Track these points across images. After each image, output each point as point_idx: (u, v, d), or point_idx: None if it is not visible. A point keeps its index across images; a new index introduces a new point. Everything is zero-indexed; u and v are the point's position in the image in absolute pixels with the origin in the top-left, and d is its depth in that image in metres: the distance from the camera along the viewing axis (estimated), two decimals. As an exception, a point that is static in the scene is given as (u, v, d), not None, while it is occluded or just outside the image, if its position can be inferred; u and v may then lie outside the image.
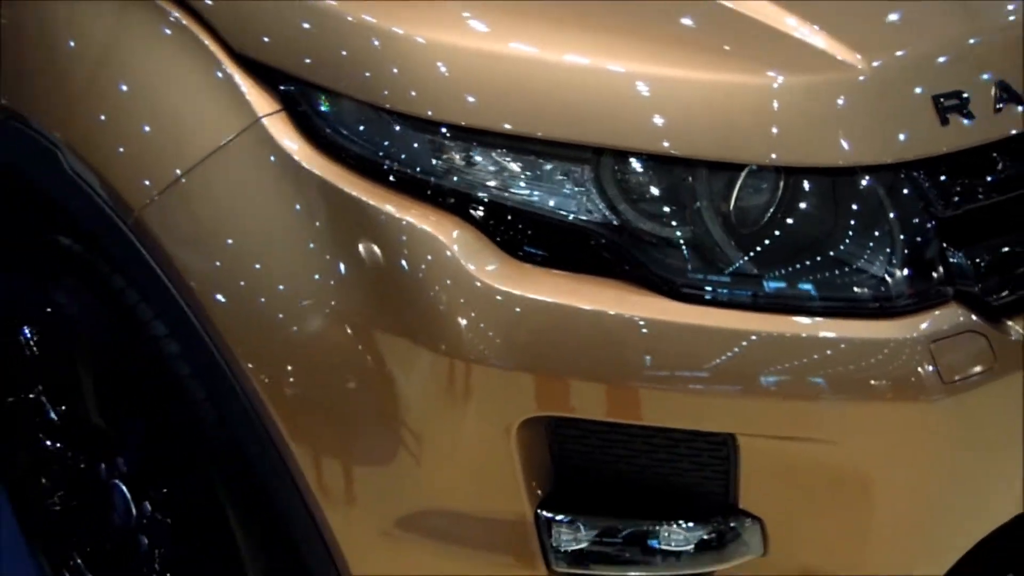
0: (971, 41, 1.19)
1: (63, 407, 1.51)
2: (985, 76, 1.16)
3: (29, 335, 1.50)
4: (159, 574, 1.44)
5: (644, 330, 1.01)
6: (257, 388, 1.08)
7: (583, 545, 1.09)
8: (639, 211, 1.04)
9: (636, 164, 1.04)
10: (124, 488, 1.44)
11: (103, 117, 1.19)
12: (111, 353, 1.33)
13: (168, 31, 1.16)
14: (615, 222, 1.03)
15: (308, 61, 1.09)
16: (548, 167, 1.04)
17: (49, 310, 1.41)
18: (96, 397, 1.42)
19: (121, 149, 1.17)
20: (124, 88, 1.19)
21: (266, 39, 1.11)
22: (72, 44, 1.25)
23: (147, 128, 1.16)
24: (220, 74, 1.11)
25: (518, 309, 1.01)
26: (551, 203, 1.04)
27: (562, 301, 1.01)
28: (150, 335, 1.22)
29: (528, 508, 1.06)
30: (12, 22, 1.30)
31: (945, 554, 1.15)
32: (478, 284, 1.01)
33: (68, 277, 1.34)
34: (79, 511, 1.59)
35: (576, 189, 1.04)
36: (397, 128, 1.06)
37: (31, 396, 1.55)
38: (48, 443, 1.57)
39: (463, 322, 1.01)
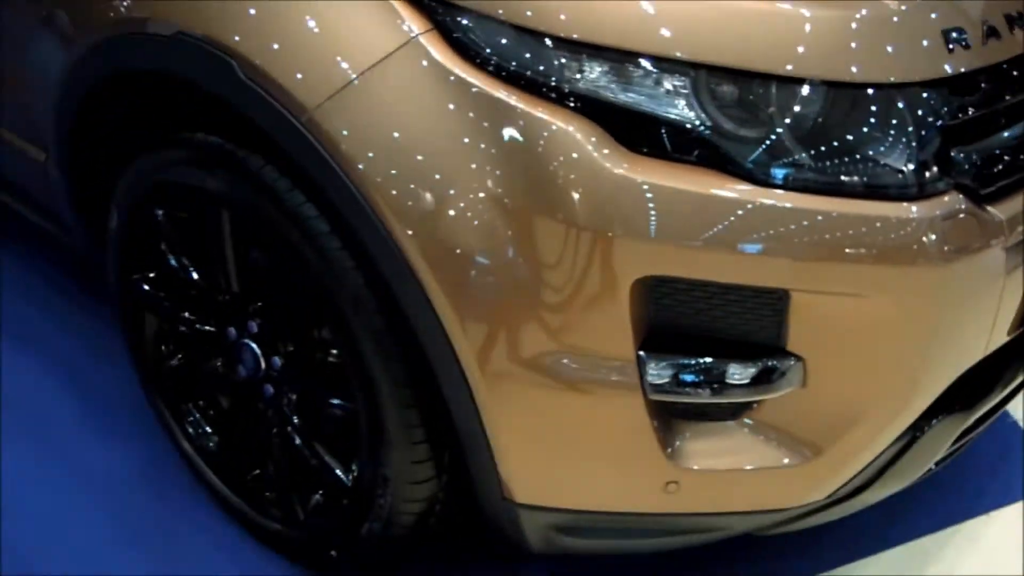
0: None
1: (200, 279, 1.56)
2: (976, 16, 1.29)
3: (175, 216, 1.54)
4: (286, 417, 1.53)
5: (729, 207, 1.13)
6: (408, 247, 1.16)
7: (667, 379, 1.22)
8: (726, 115, 1.14)
9: (723, 78, 1.14)
10: (254, 346, 1.52)
11: (275, 32, 1.22)
12: (261, 232, 1.38)
13: None
14: (708, 123, 1.14)
15: None
16: (656, 77, 1.13)
17: (205, 197, 1.45)
18: (238, 269, 1.48)
19: (293, 60, 1.20)
20: (292, 7, 1.22)
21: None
22: None
23: (316, 42, 1.20)
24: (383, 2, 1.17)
25: (635, 188, 1.11)
26: (658, 106, 1.13)
27: (668, 183, 1.12)
28: (302, 215, 1.28)
29: (632, 350, 1.18)
30: None
31: (935, 385, 1.31)
32: (602, 167, 1.10)
33: (224, 168, 1.37)
34: (203, 368, 1.66)
35: (678, 96, 1.14)
36: (532, 42, 1.13)
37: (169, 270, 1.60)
38: (178, 311, 1.63)
39: (591, 197, 1.11)
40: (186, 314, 1.61)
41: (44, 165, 1.73)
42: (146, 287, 1.63)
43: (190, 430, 1.70)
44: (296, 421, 1.51)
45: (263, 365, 1.51)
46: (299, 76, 1.19)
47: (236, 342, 1.54)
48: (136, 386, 1.77)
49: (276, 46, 1.22)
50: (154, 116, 1.53)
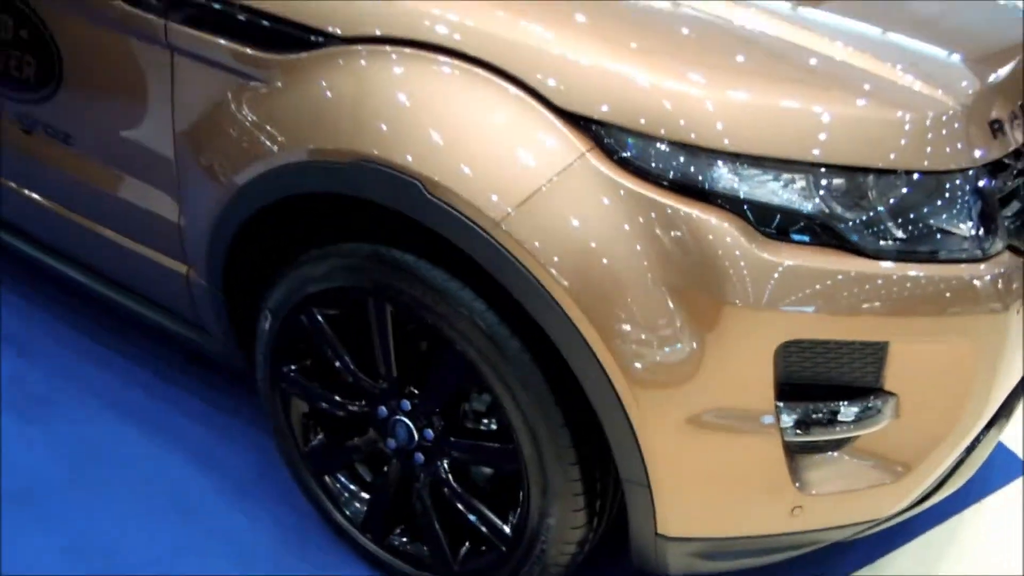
0: (996, 82, 1.43)
1: (353, 366, 1.58)
2: (1007, 107, 1.41)
3: (331, 314, 1.55)
4: (441, 479, 1.55)
5: (846, 278, 1.21)
6: (587, 332, 1.21)
7: (797, 423, 1.29)
8: (838, 203, 1.23)
9: (834, 173, 1.23)
10: (407, 421, 1.54)
11: (457, 154, 1.26)
12: (427, 326, 1.40)
13: (501, 95, 1.26)
14: (825, 210, 1.22)
15: (607, 109, 1.22)
16: (787, 177, 1.22)
17: (367, 298, 1.47)
18: (396, 356, 1.50)
19: (476, 177, 1.24)
20: (469, 130, 1.27)
21: (580, 99, 1.23)
22: (433, 102, 1.29)
23: (495, 161, 1.24)
24: (548, 122, 1.23)
25: (776, 269, 1.19)
26: (786, 199, 1.22)
27: (800, 263, 1.20)
28: (474, 310, 1.32)
29: (773, 402, 1.25)
30: (361, 87, 1.35)
31: (995, 404, 1.42)
32: (750, 253, 1.18)
33: (393, 271, 1.40)
34: (352, 441, 1.67)
35: (799, 190, 1.22)
36: (679, 152, 1.21)
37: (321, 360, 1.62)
38: (328, 395, 1.64)
39: (742, 278, 1.18)
40: (336, 397, 1.62)
41: (186, 278, 1.73)
42: (297, 376, 1.64)
43: (335, 499, 1.70)
44: (451, 481, 1.53)
45: (415, 437, 1.53)
46: (483, 192, 1.23)
47: (387, 419, 1.56)
48: (274, 463, 1.78)
49: (459, 166, 1.25)
50: (306, 230, 1.55)
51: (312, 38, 1.39)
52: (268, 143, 1.44)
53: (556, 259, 1.21)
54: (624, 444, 1.27)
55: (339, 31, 1.36)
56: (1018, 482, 2.05)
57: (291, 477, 1.78)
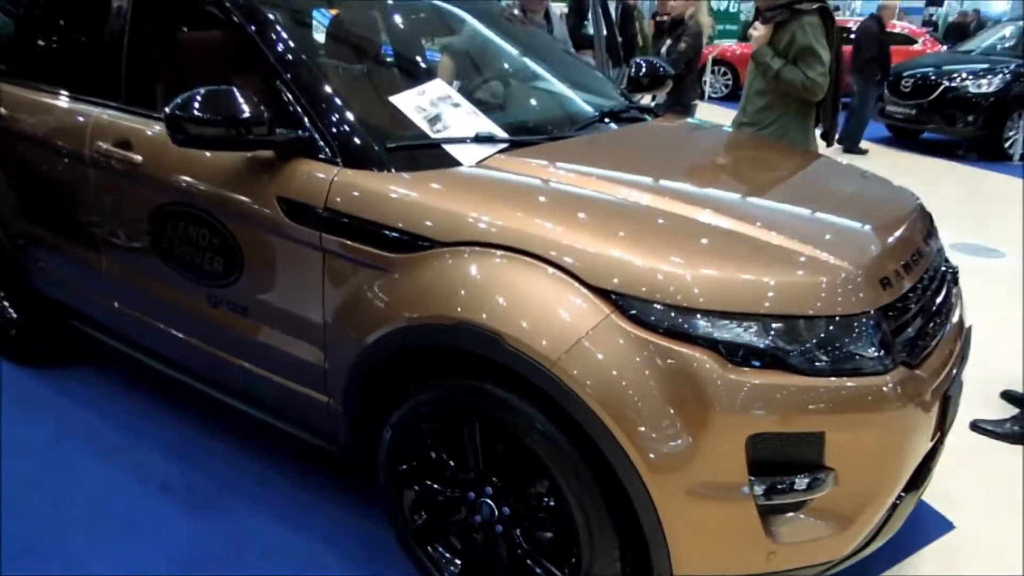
0: (887, 248, 1.82)
1: (453, 462, 1.93)
2: (895, 264, 1.79)
3: (436, 428, 1.92)
4: (516, 544, 1.87)
5: (794, 390, 1.56)
6: (622, 438, 1.55)
7: (765, 490, 1.62)
8: (781, 339, 1.59)
9: (776, 319, 1.60)
10: (490, 502, 1.89)
11: (523, 315, 1.63)
12: (505, 435, 1.76)
13: (547, 275, 1.65)
14: (772, 344, 1.58)
15: (618, 283, 1.60)
16: (742, 323, 1.58)
17: (463, 416, 1.84)
18: (483, 457, 1.86)
19: (537, 333, 1.61)
20: (531, 302, 1.64)
21: (600, 276, 1.62)
22: (503, 281, 1.69)
23: (550, 318, 1.61)
24: (583, 293, 1.62)
25: (744, 385, 1.54)
26: (746, 339, 1.58)
27: (760, 381, 1.55)
28: (539, 426, 1.68)
29: (747, 476, 1.59)
30: (456, 274, 1.74)
31: (906, 474, 1.76)
32: (724, 375, 1.54)
33: (480, 398, 1.77)
34: (447, 520, 2.01)
35: (755, 332, 1.58)
36: (670, 310, 1.58)
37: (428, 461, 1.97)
38: (433, 486, 1.99)
39: (721, 393, 1.54)
40: (437, 486, 1.97)
41: (327, 405, 2.12)
42: (408, 473, 2.00)
43: (436, 563, 2.02)
44: (523, 543, 1.86)
45: (496, 513, 1.88)
46: (542, 341, 1.61)
47: (475, 501, 1.91)
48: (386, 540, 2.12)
49: (525, 324, 1.63)
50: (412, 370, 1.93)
51: (420, 243, 1.82)
52: (391, 312, 1.85)
53: (594, 384, 1.56)
54: (646, 511, 1.60)
55: (439, 238, 1.80)
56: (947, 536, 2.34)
57: (400, 549, 2.10)
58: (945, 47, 12.39)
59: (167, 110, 1.97)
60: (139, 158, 2.35)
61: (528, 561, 1.85)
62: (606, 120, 2.54)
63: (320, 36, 2.44)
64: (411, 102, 2.15)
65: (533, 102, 2.63)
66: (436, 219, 1.81)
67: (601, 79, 3.06)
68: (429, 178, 1.92)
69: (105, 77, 2.54)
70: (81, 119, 2.56)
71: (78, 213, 2.67)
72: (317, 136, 2.03)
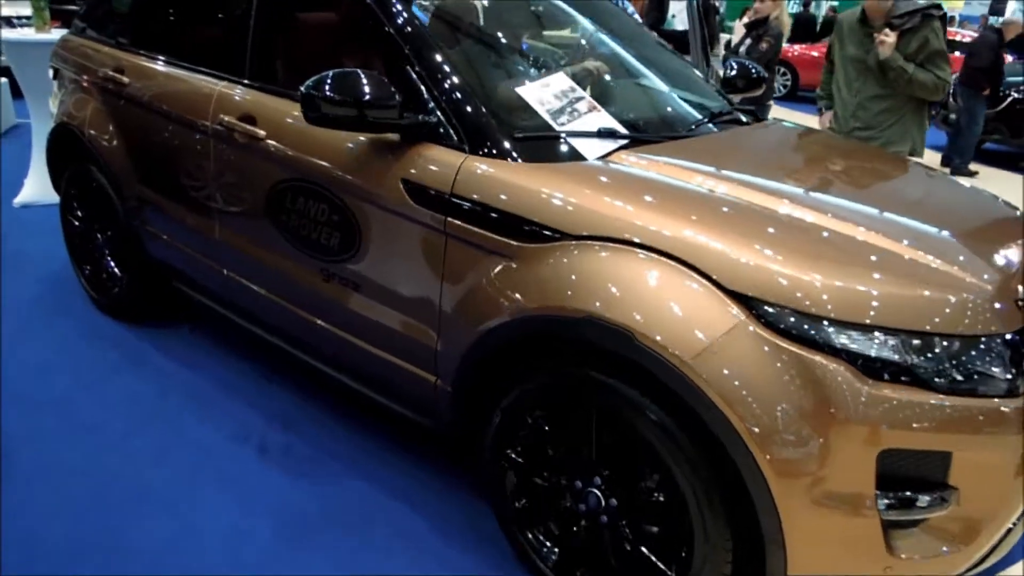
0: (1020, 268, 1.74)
1: (561, 450, 1.89)
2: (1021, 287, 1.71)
3: (549, 415, 1.89)
4: (622, 536, 1.84)
5: (926, 407, 1.50)
6: (748, 439, 1.49)
7: (889, 506, 1.56)
8: (918, 356, 1.52)
9: (914, 335, 1.53)
10: (597, 492, 1.86)
11: (658, 313, 1.58)
12: (624, 428, 1.73)
13: (687, 277, 1.59)
14: (909, 361, 1.51)
15: (754, 289, 1.54)
16: (882, 337, 1.52)
17: (581, 405, 1.80)
18: (598, 446, 1.82)
19: (672, 331, 1.56)
20: (668, 302, 1.58)
21: (738, 282, 1.57)
22: (639, 280, 1.62)
23: (686, 319, 1.56)
24: (720, 298, 1.56)
25: (880, 400, 1.48)
26: (882, 353, 1.52)
27: (896, 396, 1.49)
28: (662, 422, 1.63)
29: (873, 489, 1.53)
30: (588, 267, 1.68)
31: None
32: (858, 387, 1.48)
33: (602, 390, 1.73)
34: (549, 507, 1.98)
35: (891, 346, 1.52)
36: (803, 319, 1.53)
37: (535, 446, 1.95)
38: (538, 471, 1.97)
39: (854, 406, 1.49)
40: (544, 473, 1.95)
41: (434, 384, 2.10)
42: (514, 457, 1.97)
43: (535, 548, 2.00)
44: (629, 535, 1.82)
45: (603, 503, 1.84)
46: (675, 340, 1.55)
47: (582, 490, 1.88)
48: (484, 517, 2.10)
49: (659, 323, 1.58)
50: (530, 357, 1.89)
51: (548, 234, 1.78)
52: (513, 300, 1.81)
53: (725, 388, 1.51)
54: (769, 514, 1.55)
55: (569, 231, 1.75)
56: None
57: (500, 530, 2.08)
58: (1011, 57, 11.89)
59: (303, 88, 1.95)
60: (262, 132, 2.34)
61: (635, 554, 1.81)
62: (716, 121, 2.46)
63: (447, 24, 2.39)
64: (536, 94, 2.10)
65: (644, 99, 2.56)
66: (566, 212, 1.76)
67: (701, 79, 2.97)
68: (559, 171, 1.88)
69: (232, 53, 2.53)
70: (206, 92, 2.56)
71: (195, 181, 2.68)
72: (444, 122, 1.99)
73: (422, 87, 2.03)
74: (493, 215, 1.85)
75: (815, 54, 11.79)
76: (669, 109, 2.51)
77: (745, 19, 5.66)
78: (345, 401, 2.73)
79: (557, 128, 2.04)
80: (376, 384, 2.33)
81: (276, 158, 2.32)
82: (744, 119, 2.62)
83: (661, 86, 2.62)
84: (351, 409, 2.72)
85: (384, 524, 2.22)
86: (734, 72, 3.05)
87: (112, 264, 3.30)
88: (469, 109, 1.99)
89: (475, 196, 1.88)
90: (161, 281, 3.13)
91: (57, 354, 3.05)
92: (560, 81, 2.18)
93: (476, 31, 2.50)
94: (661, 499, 1.75)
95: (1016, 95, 8.26)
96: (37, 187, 4.76)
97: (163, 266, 3.05)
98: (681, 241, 1.63)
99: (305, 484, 2.37)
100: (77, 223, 3.42)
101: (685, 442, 1.63)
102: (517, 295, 1.80)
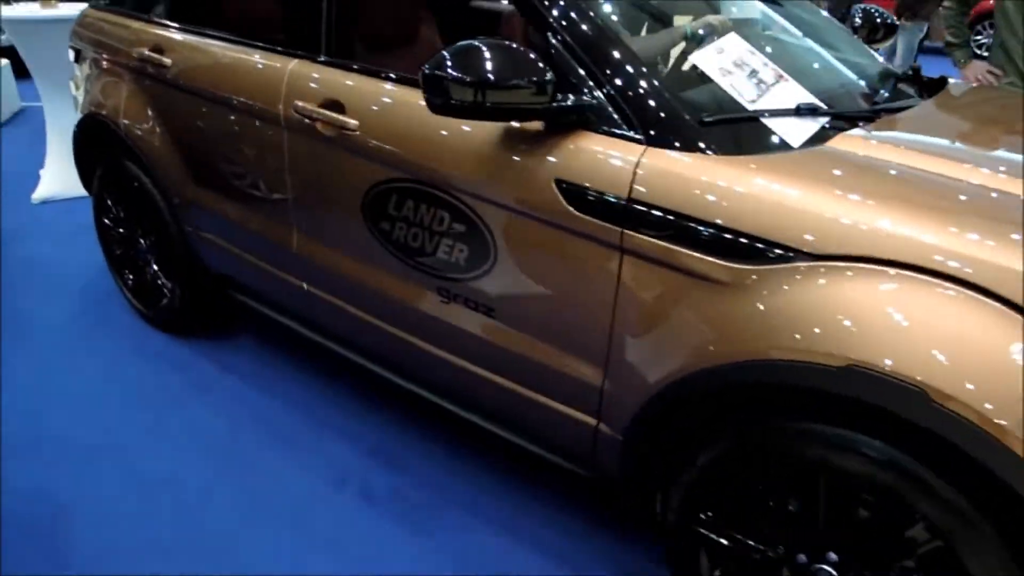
0: None
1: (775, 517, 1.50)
2: None
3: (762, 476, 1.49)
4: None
5: None
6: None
7: None
8: None
9: None
10: (830, 569, 1.46)
11: (955, 365, 1.17)
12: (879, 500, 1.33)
13: (1003, 319, 1.17)
14: None
15: None
16: None
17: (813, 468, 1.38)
18: (827, 521, 1.42)
19: (977, 387, 1.15)
20: (978, 351, 1.16)
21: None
22: (935, 321, 1.19)
23: (995, 373, 1.14)
24: None
25: None
26: None
27: None
28: (935, 495, 1.24)
29: None
30: (849, 300, 1.26)
31: None
32: None
33: (843, 451, 1.32)
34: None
35: None
36: None
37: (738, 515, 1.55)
38: (748, 544, 1.56)
39: None
40: (752, 542, 1.55)
41: (595, 429, 1.69)
42: (711, 521, 1.57)
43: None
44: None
45: (838, 587, 1.45)
46: (985, 400, 1.15)
47: (808, 565, 1.48)
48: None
49: (965, 379, 1.16)
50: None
51: (775, 253, 1.34)
52: (727, 339, 1.39)
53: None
54: None
55: (806, 249, 1.32)
56: None
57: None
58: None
59: (425, 69, 1.50)
60: (354, 122, 1.88)
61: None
62: (904, 88, 2.00)
63: None
64: (713, 62, 1.64)
65: (806, 62, 2.07)
66: (799, 222, 1.33)
67: (848, 32, 2.49)
68: (775, 165, 1.43)
69: (305, 21, 2.06)
70: (273, 73, 2.09)
71: (262, 181, 2.23)
72: (608, 104, 1.54)
73: (572, 59, 1.58)
74: (693, 227, 1.42)
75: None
76: (850, 76, 2.04)
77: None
78: (459, 433, 2.32)
79: (749, 108, 1.58)
80: (507, 421, 1.93)
81: (374, 154, 1.87)
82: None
83: (814, 45, 2.13)
84: (467, 442, 2.31)
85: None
86: (859, 21, 2.59)
87: (159, 272, 2.87)
88: (643, 86, 1.53)
89: (663, 202, 1.44)
90: (216, 291, 2.71)
91: (106, 382, 2.64)
92: (735, 45, 1.71)
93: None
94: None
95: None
96: (57, 179, 4.30)
97: (222, 278, 2.62)
98: (972, 260, 1.20)
99: (425, 539, 1.98)
100: (114, 227, 2.98)
101: (973, 514, 1.22)
102: (733, 332, 1.39)
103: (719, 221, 1.38)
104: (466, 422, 2.03)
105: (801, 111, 1.61)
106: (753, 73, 1.67)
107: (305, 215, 2.14)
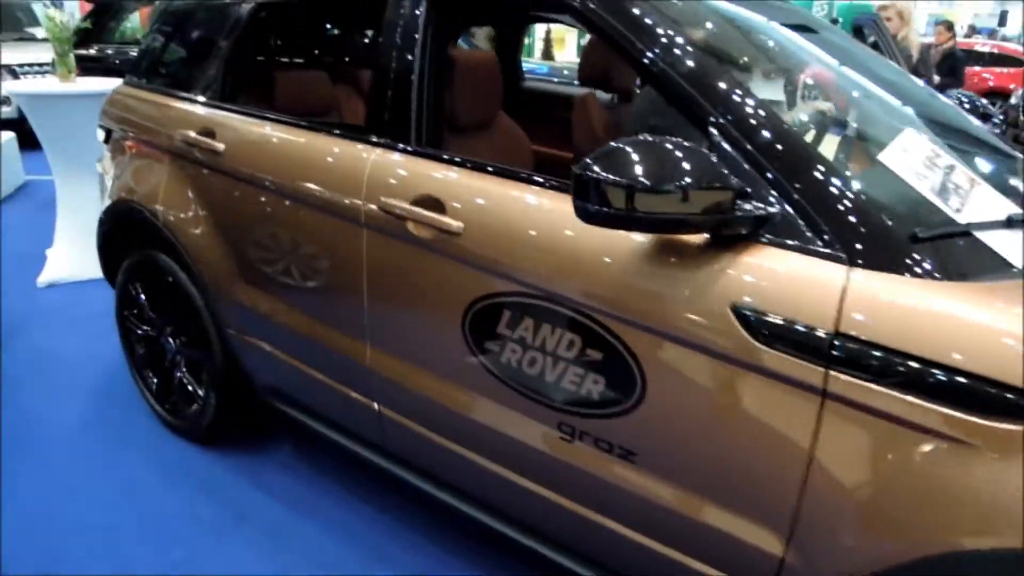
0: None
1: None
2: None
3: None
4: None
5: None
6: None
7: None
8: None
9: None
10: None
11: None
12: None
13: None
14: None
15: None
16: None
17: None
18: None
19: None
20: None
21: None
22: None
23: None
24: None
25: None
26: None
27: None
28: None
29: None
30: None
31: None
32: None
33: None
34: None
35: None
36: None
37: None
38: None
39: None
40: None
41: (782, 557, 1.34)
42: None
43: None
44: None
45: None
46: None
47: None
48: None
49: None
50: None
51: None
52: (974, 517, 1.09)
53: None
54: None
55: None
56: None
57: None
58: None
59: (576, 170, 1.22)
60: (458, 224, 1.60)
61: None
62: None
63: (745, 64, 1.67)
64: (905, 164, 1.38)
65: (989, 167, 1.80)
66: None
67: (979, 123, 2.26)
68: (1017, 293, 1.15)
69: (390, 107, 1.79)
70: (352, 163, 1.82)
71: (331, 284, 1.94)
72: (795, 213, 1.26)
73: (742, 159, 1.31)
74: (931, 372, 1.12)
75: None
76: (1016, 176, 1.79)
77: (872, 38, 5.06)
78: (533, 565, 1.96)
79: (959, 220, 1.32)
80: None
81: (483, 262, 1.58)
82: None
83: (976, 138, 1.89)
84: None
85: None
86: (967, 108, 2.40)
87: (188, 378, 2.53)
88: (837, 189, 1.26)
89: (890, 340, 1.15)
90: (259, 399, 2.37)
91: (130, 507, 2.26)
92: (917, 142, 1.46)
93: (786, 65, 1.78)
94: None
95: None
96: (66, 260, 3.96)
97: (270, 390, 2.29)
98: None
99: None
100: (139, 324, 2.65)
101: None
102: (991, 510, 1.07)
103: (974, 370, 1.09)
104: (571, 574, 1.68)
105: (1012, 222, 1.34)
106: (945, 175, 1.41)
107: (383, 326, 1.83)
